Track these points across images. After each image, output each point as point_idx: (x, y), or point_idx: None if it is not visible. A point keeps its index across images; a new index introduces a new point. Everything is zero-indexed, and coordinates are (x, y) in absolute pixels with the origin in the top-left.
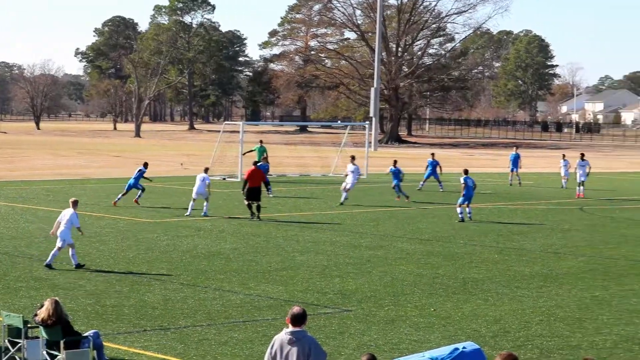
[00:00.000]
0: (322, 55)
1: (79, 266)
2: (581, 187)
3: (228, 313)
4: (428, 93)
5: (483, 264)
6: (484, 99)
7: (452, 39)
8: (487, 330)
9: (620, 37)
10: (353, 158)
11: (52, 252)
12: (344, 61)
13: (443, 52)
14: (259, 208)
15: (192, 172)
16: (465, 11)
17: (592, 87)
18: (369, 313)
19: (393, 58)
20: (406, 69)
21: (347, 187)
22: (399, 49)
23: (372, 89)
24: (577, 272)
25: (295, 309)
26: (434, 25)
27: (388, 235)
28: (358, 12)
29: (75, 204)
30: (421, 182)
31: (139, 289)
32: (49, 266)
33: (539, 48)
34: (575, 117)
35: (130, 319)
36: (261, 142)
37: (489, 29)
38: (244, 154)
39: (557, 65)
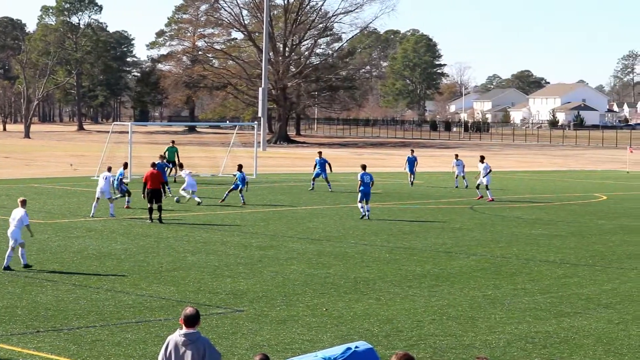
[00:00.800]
0: (210, 55)
1: (27, 266)
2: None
3: (120, 314)
4: (316, 93)
5: (374, 263)
6: (372, 98)
7: (339, 39)
8: (380, 330)
9: (508, 37)
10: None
11: (7, 253)
12: (231, 61)
13: (330, 52)
14: (160, 209)
15: (82, 173)
16: (352, 11)
17: (481, 87)
18: (260, 313)
19: (280, 58)
20: (294, 69)
21: None
22: (287, 49)
23: (260, 89)
24: (468, 271)
25: (189, 310)
26: (320, 25)
27: (279, 235)
28: (245, 12)
29: (23, 203)
30: (312, 182)
31: (31, 290)
32: (7, 268)
33: (426, 47)
34: (464, 116)
35: (23, 320)
36: (173, 142)
37: (376, 29)
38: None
39: (445, 65)
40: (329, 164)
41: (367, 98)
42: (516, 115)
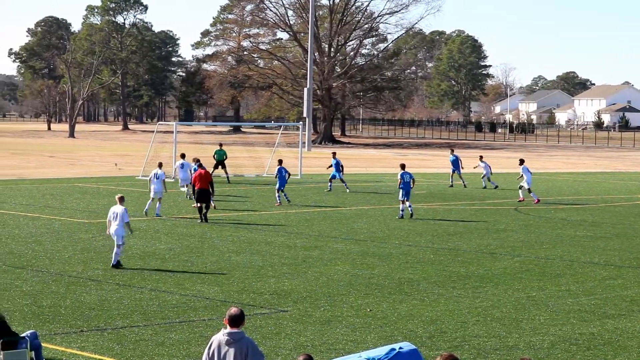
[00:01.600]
0: (255, 55)
1: (117, 265)
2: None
3: (164, 314)
4: (361, 93)
5: (418, 264)
6: (417, 99)
7: (384, 39)
8: (424, 331)
9: (554, 38)
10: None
11: (114, 251)
12: (276, 61)
13: (376, 53)
14: (207, 208)
15: (126, 173)
16: (397, 11)
17: (526, 88)
18: (304, 313)
19: (326, 58)
20: (339, 69)
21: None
22: (332, 50)
23: (305, 89)
24: (513, 273)
25: (233, 310)
26: (366, 26)
27: (323, 235)
28: (290, 12)
29: (122, 200)
30: (329, 184)
31: (75, 290)
32: (116, 266)
33: (471, 48)
34: (509, 117)
35: (67, 320)
36: (221, 145)
37: (421, 29)
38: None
39: (490, 66)
40: (342, 165)
41: (412, 99)
42: (561, 117)
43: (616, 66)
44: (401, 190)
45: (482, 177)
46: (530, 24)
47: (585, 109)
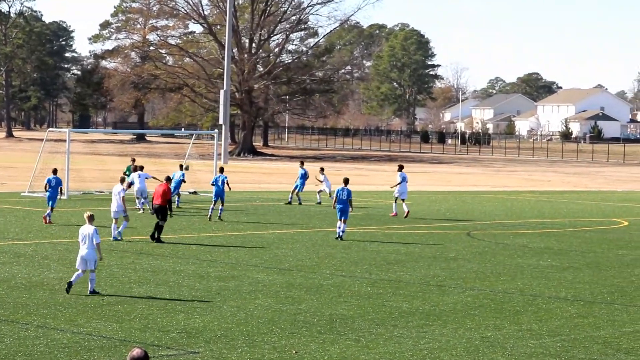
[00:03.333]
0: (163, 51)
1: (94, 292)
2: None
3: (53, 355)
4: (287, 97)
5: (353, 298)
6: (353, 104)
7: (315, 34)
8: None
9: (514, 34)
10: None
11: (89, 277)
12: (188, 58)
13: (304, 49)
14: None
15: (10, 188)
16: (330, 1)
17: (481, 92)
18: (219, 356)
19: (246, 55)
20: (261, 69)
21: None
22: (253, 45)
23: (222, 92)
24: (464, 309)
25: (136, 352)
26: (293, 17)
27: (241, 263)
28: (205, 1)
29: (91, 218)
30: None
31: None
32: (93, 292)
33: (417, 45)
34: (460, 125)
35: None
36: (133, 160)
37: (358, 23)
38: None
39: (439, 66)
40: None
41: (347, 104)
42: (522, 125)
43: (587, 67)
44: (337, 211)
45: (319, 192)
46: (487, 18)
47: (551, 116)
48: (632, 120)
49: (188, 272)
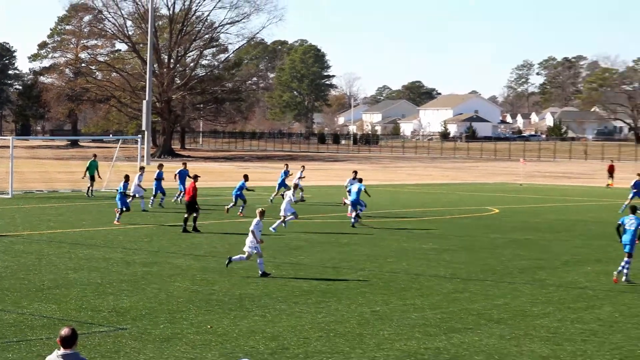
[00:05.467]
0: (93, 67)
1: (264, 274)
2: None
3: (1, 332)
4: (201, 105)
5: (260, 279)
6: (259, 110)
7: (225, 50)
8: (265, 347)
9: (399, 47)
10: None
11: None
12: (115, 73)
13: (216, 63)
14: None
15: None
16: (238, 21)
17: (370, 98)
18: (144, 331)
19: (165, 70)
20: (179, 81)
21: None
22: (171, 61)
23: (144, 102)
24: (356, 287)
25: (64, 331)
26: (206, 36)
27: (162, 251)
28: (129, 22)
29: (262, 214)
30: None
31: None
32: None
33: (314, 58)
34: (352, 128)
35: None
36: (95, 156)
37: (263, 39)
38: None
39: (333, 76)
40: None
41: (254, 110)
42: (406, 127)
43: (463, 75)
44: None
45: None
46: (375, 34)
47: (431, 119)
48: (502, 122)
49: (116, 260)
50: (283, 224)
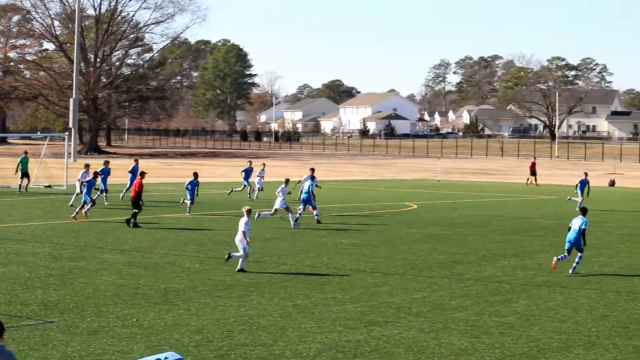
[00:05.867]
0: (21, 66)
1: (240, 270)
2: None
3: None
4: (127, 103)
5: (184, 273)
6: (183, 108)
7: (150, 49)
8: (190, 340)
9: (319, 46)
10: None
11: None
12: (43, 72)
13: (141, 62)
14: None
15: None
16: (163, 21)
17: (291, 96)
18: (71, 324)
19: (92, 69)
20: (105, 80)
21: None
22: (98, 60)
23: (71, 100)
24: (278, 281)
25: None
26: (132, 36)
27: (89, 246)
28: (57, 22)
29: (249, 212)
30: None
31: None
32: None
33: (237, 57)
34: (274, 125)
35: None
36: (26, 153)
37: (187, 39)
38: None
39: (255, 75)
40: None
41: (178, 108)
42: (327, 125)
43: (382, 74)
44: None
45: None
46: (296, 33)
47: (351, 117)
48: (420, 120)
49: (44, 254)
50: (292, 222)
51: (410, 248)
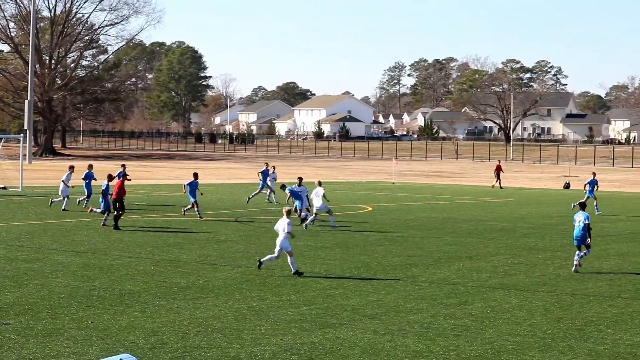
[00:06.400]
0: None
1: (297, 273)
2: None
3: None
4: (81, 105)
5: (139, 275)
6: (138, 110)
7: (105, 51)
8: (145, 342)
9: (274, 48)
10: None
11: (269, 256)
12: None
13: (96, 64)
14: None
15: None
16: (117, 23)
17: (246, 98)
18: (26, 326)
19: (46, 70)
20: (60, 81)
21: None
22: (53, 61)
23: (26, 102)
24: (233, 283)
25: None
26: (87, 37)
27: (44, 248)
28: (12, 24)
29: (288, 213)
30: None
31: None
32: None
33: (192, 59)
34: (229, 128)
35: None
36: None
37: (141, 41)
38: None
39: (210, 77)
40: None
41: (132, 110)
42: (281, 127)
43: (337, 77)
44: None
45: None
46: (251, 35)
47: (306, 119)
48: (375, 122)
49: None
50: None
51: (365, 250)
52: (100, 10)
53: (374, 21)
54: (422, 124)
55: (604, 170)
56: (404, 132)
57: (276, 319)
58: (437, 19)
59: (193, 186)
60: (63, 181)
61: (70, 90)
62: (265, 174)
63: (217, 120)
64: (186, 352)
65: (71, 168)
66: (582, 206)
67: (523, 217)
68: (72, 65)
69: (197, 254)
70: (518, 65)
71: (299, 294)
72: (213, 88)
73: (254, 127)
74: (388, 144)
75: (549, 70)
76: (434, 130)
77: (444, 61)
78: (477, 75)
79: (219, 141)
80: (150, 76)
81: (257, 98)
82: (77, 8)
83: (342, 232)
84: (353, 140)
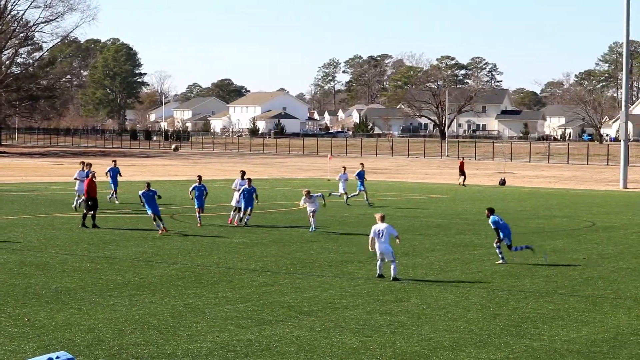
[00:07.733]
0: None
1: (395, 279)
2: None
3: None
4: (17, 102)
5: (75, 273)
6: (73, 107)
7: (40, 48)
8: (81, 340)
9: (208, 45)
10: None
11: (377, 264)
12: None
13: (31, 61)
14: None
15: None
16: (52, 20)
17: (181, 95)
18: None
19: None
20: None
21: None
22: None
23: None
24: (169, 280)
25: None
26: (22, 34)
27: None
28: None
29: (382, 218)
30: None
31: None
32: (381, 276)
33: (127, 56)
34: (164, 124)
35: None
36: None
37: (76, 38)
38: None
39: (145, 74)
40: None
41: (68, 107)
42: (216, 124)
43: (272, 73)
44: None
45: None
46: (186, 32)
47: (241, 116)
48: (310, 119)
49: None
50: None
51: (301, 247)
52: (35, 7)
53: (308, 18)
54: (357, 121)
55: (539, 166)
56: (339, 129)
57: (212, 316)
58: (372, 15)
59: (200, 190)
60: (76, 178)
61: (6, 87)
62: (361, 175)
63: (153, 117)
64: (122, 350)
65: (82, 164)
66: (491, 211)
67: (459, 214)
68: (7, 62)
69: (133, 251)
70: (453, 62)
71: (235, 290)
72: (148, 85)
73: (189, 124)
74: (323, 141)
75: (483, 66)
76: (369, 127)
77: (378, 58)
78: (412, 72)
79: (154, 138)
80: (85, 73)
81: (192, 95)
82: (11, 5)
83: (278, 229)
84: (288, 137)
